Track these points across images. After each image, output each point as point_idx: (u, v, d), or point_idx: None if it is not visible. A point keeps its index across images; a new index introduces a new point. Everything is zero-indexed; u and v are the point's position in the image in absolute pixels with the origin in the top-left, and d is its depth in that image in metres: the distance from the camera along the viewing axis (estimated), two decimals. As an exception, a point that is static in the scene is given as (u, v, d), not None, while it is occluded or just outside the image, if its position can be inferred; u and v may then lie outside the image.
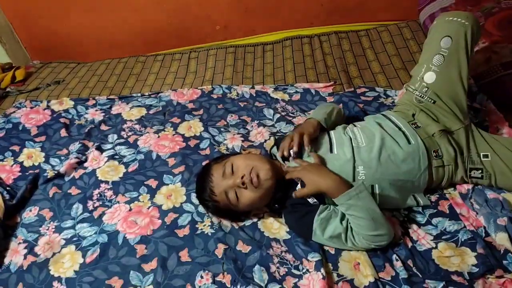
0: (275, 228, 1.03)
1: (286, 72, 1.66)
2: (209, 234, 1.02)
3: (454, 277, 0.85)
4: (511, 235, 0.89)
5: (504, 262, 0.86)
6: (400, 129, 1.06)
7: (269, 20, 2.01)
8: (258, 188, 0.98)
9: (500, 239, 0.89)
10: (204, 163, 1.22)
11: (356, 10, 1.95)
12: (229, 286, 0.90)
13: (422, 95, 1.09)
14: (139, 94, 1.65)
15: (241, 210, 1.02)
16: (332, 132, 1.11)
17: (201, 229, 1.04)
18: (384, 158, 0.99)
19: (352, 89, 1.48)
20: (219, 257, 0.96)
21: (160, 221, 1.08)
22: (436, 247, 0.92)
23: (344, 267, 0.91)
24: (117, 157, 1.33)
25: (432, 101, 1.07)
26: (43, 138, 1.47)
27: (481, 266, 0.85)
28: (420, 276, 0.86)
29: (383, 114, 1.15)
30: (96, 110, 1.59)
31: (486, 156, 1.00)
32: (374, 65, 1.59)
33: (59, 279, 0.98)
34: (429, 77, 1.08)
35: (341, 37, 1.76)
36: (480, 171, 1.00)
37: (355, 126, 1.12)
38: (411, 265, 0.88)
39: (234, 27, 2.03)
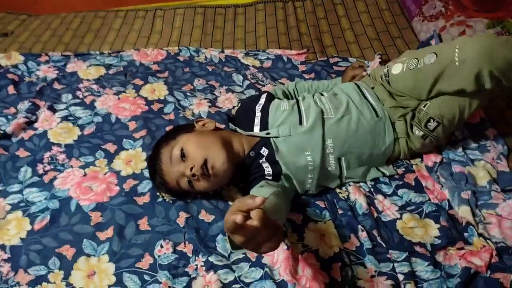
0: (239, 197, 0.99)
1: (258, 37, 1.58)
2: (170, 202, 0.97)
3: (417, 248, 0.85)
4: (473, 208, 0.90)
5: (465, 234, 0.87)
6: (368, 100, 1.02)
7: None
8: (212, 178, 0.90)
9: (462, 212, 0.90)
10: (166, 128, 1.16)
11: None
12: (190, 255, 0.86)
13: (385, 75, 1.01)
14: (97, 52, 1.53)
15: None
16: (301, 102, 1.03)
17: (163, 197, 0.98)
18: (352, 131, 0.96)
19: (325, 58, 1.43)
20: (181, 226, 0.92)
21: (118, 187, 1.01)
22: (400, 218, 0.92)
23: (309, 237, 0.89)
24: (71, 118, 1.22)
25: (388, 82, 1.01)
26: (-13, 94, 1.33)
27: (443, 238, 0.86)
28: (384, 246, 0.86)
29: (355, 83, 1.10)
30: (49, 67, 1.45)
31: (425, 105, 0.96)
32: (348, 34, 1.54)
33: (2, 247, 0.90)
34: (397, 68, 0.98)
35: (316, 3, 1.69)
36: (432, 120, 0.95)
37: (322, 95, 1.06)
38: (376, 235, 0.87)
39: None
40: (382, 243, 0.87)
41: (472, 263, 0.79)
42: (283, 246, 0.84)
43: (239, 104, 1.18)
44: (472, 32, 1.26)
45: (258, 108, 1.04)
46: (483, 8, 1.31)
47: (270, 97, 1.07)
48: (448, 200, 0.94)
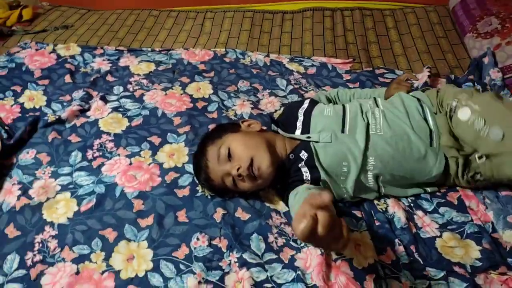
0: (276, 199, 1.00)
1: (304, 43, 1.60)
2: (209, 197, 0.99)
3: (456, 268, 0.83)
4: (519, 233, 0.86)
5: (509, 259, 0.83)
6: (427, 124, 0.95)
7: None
8: (258, 179, 0.93)
9: (507, 236, 0.87)
10: (209, 126, 1.19)
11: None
12: (224, 250, 0.88)
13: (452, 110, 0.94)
14: (149, 49, 1.59)
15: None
16: (347, 108, 1.01)
17: (201, 191, 1.01)
18: (400, 155, 0.91)
19: (371, 68, 1.42)
20: (217, 221, 0.94)
21: (160, 178, 1.05)
22: (440, 236, 0.89)
23: None
24: (121, 109, 1.28)
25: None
26: (46, 81, 1.42)
27: (484, 261, 0.83)
28: (422, 262, 0.84)
29: (413, 96, 1.03)
30: (104, 60, 1.53)
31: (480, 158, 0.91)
32: (396, 46, 1.52)
33: (51, 224, 0.96)
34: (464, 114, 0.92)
35: (365, 14, 1.69)
36: (479, 175, 0.92)
37: (377, 106, 1.01)
38: (414, 251, 0.86)
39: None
40: (419, 259, 0.85)
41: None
42: (317, 252, 0.85)
43: (283, 108, 1.19)
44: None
45: (301, 112, 1.04)
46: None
47: (314, 103, 1.07)
48: (492, 223, 0.91)
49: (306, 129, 1.00)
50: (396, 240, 0.88)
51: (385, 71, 1.39)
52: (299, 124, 1.02)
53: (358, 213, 0.95)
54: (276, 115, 1.24)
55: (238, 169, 0.91)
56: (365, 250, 0.87)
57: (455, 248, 0.86)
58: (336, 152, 0.94)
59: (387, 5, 1.74)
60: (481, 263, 0.83)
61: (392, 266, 0.84)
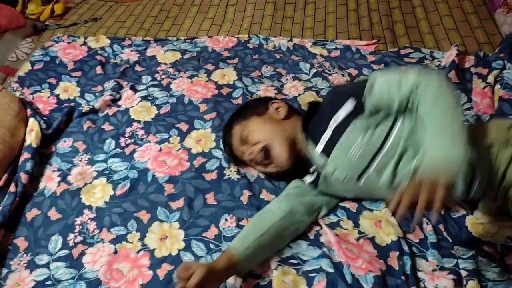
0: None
1: (327, 27, 1.59)
2: (235, 180, 1.03)
3: (486, 248, 0.82)
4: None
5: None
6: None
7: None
8: (270, 165, 0.97)
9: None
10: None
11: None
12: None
13: None
14: (174, 38, 1.63)
15: None
16: (384, 150, 0.83)
17: (228, 175, 1.05)
18: None
19: (396, 49, 1.40)
20: (244, 203, 0.97)
21: (188, 163, 1.10)
22: (471, 213, 0.89)
23: (364, 224, 0.90)
24: (149, 98, 1.33)
25: None
26: (79, 73, 1.48)
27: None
28: (451, 241, 0.84)
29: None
30: (132, 51, 1.58)
31: None
32: (422, 24, 1.49)
33: (89, 207, 1.02)
34: None
35: (390, -7, 1.65)
36: None
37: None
38: (442, 230, 0.86)
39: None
40: (448, 237, 0.85)
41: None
42: (332, 232, 0.87)
43: (318, 104, 1.00)
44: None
45: (332, 125, 0.87)
46: None
47: (357, 110, 0.84)
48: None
49: (327, 151, 0.89)
50: (424, 219, 0.89)
51: (411, 51, 1.36)
52: (323, 139, 0.89)
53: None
54: (299, 99, 1.25)
55: (250, 154, 0.97)
56: (386, 226, 0.88)
57: (486, 225, 0.85)
58: (342, 190, 0.93)
59: (413, -17, 1.69)
60: (512, 243, 0.82)
61: (419, 245, 0.85)
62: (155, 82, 1.40)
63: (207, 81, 1.37)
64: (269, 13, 1.69)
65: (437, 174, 0.64)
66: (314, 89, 1.30)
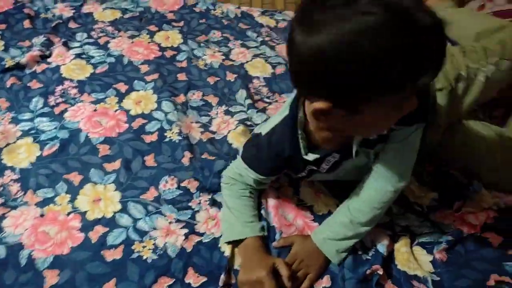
0: (242, 141, 0.98)
1: (275, -5, 1.57)
2: (177, 141, 0.98)
3: (415, 206, 0.87)
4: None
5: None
6: None
7: None
8: None
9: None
10: (178, 75, 1.17)
11: None
12: (193, 191, 0.88)
13: None
14: (114, -5, 1.52)
15: None
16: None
17: (170, 137, 1.00)
18: None
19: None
20: (186, 165, 0.94)
21: (127, 125, 1.03)
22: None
23: (305, 193, 0.90)
24: (84, 56, 1.23)
25: None
26: (3, 26, 1.33)
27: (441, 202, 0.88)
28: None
29: None
30: (66, 6, 1.44)
31: None
32: None
33: (12, 168, 0.93)
34: None
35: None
36: None
37: None
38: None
39: None
40: None
41: (468, 222, 0.82)
42: (274, 194, 0.87)
43: None
44: (492, 6, 1.25)
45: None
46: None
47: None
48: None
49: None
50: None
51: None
52: None
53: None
54: (248, 66, 1.23)
55: None
56: (326, 197, 0.89)
57: (415, 189, 0.90)
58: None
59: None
60: (437, 203, 0.88)
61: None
62: (91, 40, 1.29)
63: (149, 42, 1.29)
64: (217, -22, 1.63)
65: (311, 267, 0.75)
66: (262, 56, 1.28)
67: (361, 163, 0.75)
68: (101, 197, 0.87)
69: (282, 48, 1.31)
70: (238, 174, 0.82)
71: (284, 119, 0.71)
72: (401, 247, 0.79)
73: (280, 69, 1.23)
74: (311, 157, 0.71)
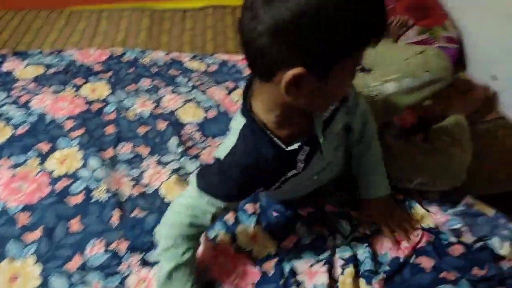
0: (175, 192, 0.96)
1: (206, 41, 1.59)
2: (105, 200, 0.94)
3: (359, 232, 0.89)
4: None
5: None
6: None
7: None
8: None
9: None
10: (105, 129, 1.13)
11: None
12: (123, 253, 0.83)
13: None
14: (37, 51, 1.46)
15: None
16: None
17: (97, 196, 0.95)
18: None
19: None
20: (115, 224, 0.89)
21: (49, 188, 0.97)
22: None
23: (242, 239, 0.88)
24: (3, 118, 1.16)
25: None
26: None
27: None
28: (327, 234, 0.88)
29: None
30: (-17, 66, 1.38)
31: None
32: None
33: None
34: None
35: (264, 10, 1.73)
36: None
37: None
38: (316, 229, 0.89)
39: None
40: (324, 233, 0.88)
41: (402, 247, 0.84)
42: (210, 244, 0.85)
43: None
44: (405, 38, 1.35)
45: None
46: (415, 16, 1.40)
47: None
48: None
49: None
50: (299, 223, 0.91)
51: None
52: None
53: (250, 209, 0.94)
54: (179, 112, 1.22)
55: None
56: (264, 240, 0.87)
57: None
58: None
59: None
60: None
61: (294, 250, 0.86)
62: (11, 100, 1.22)
63: (74, 96, 1.25)
64: (145, 26, 1.63)
65: None
66: (193, 101, 1.28)
67: (334, 149, 0.79)
68: (18, 275, 0.80)
69: (213, 92, 1.32)
70: (188, 218, 0.72)
71: (243, 131, 0.67)
72: (346, 279, 0.79)
73: (212, 113, 1.23)
74: (295, 145, 0.68)
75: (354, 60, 0.57)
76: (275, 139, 0.67)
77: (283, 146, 0.67)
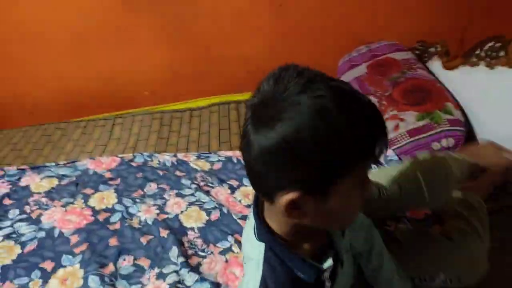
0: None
1: (211, 138, 1.65)
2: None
3: None
4: None
5: None
6: None
7: (198, 85, 2.04)
8: None
9: None
10: (109, 240, 1.14)
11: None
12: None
13: None
14: (53, 164, 1.56)
15: None
16: None
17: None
18: None
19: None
20: None
21: (49, 311, 0.96)
22: None
23: None
24: (14, 236, 1.20)
25: None
26: None
27: None
28: None
29: None
30: (3, 182, 1.46)
31: None
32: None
33: None
34: None
35: (267, 103, 1.80)
36: None
37: None
38: None
39: (163, 93, 2.03)
40: None
41: None
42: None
43: None
44: (405, 125, 1.34)
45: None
46: (413, 101, 1.41)
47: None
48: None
49: None
50: None
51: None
52: None
53: None
54: (182, 217, 1.23)
55: None
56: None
57: None
58: None
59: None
60: None
61: None
62: (24, 216, 1.28)
63: (83, 207, 1.29)
64: (155, 129, 1.72)
65: None
66: (197, 203, 1.29)
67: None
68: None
69: (217, 192, 1.33)
70: None
71: (267, 259, 0.59)
72: None
73: (216, 215, 1.23)
74: (328, 262, 0.62)
75: (356, 177, 0.53)
76: (305, 258, 0.60)
77: (319, 266, 0.61)
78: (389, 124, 1.37)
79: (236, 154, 1.52)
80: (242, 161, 1.40)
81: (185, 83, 2.06)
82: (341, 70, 1.81)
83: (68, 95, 2.01)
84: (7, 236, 1.20)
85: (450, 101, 1.37)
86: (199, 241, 1.15)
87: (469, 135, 1.33)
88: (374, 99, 1.48)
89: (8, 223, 1.25)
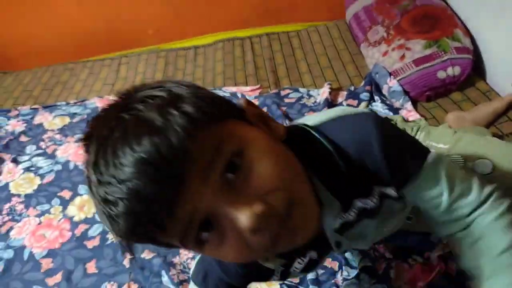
0: None
1: (215, 74, 1.65)
2: (118, 243, 1.00)
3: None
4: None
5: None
6: None
7: (201, 22, 2.00)
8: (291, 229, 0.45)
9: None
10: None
11: (287, 11, 1.96)
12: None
13: None
14: (64, 103, 1.60)
15: None
16: None
17: (111, 238, 1.01)
18: None
19: (277, 90, 1.48)
20: (126, 266, 0.94)
21: (70, 233, 1.05)
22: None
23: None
24: (33, 168, 1.28)
25: None
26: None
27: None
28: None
29: None
30: (18, 121, 1.52)
31: None
32: (301, 65, 1.60)
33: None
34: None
35: (272, 38, 1.77)
36: None
37: None
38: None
39: (167, 31, 2.00)
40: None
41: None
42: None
43: None
44: (411, 54, 1.31)
45: None
46: (421, 29, 1.36)
47: None
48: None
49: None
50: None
51: (290, 91, 1.46)
52: None
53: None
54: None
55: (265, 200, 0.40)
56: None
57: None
58: None
59: (292, 27, 1.84)
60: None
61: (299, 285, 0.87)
62: (40, 151, 1.35)
63: (95, 142, 1.35)
64: (160, 67, 1.73)
65: None
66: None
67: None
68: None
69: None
70: None
71: None
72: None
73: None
74: (271, 264, 0.56)
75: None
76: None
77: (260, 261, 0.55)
78: (395, 54, 1.35)
79: (241, 90, 1.53)
80: (246, 97, 1.46)
81: (189, 21, 2.02)
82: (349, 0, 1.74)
83: (73, 35, 2.00)
84: (27, 169, 1.27)
85: (460, 27, 1.33)
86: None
87: (476, 65, 1.31)
88: (381, 29, 1.45)
89: (26, 157, 1.33)
